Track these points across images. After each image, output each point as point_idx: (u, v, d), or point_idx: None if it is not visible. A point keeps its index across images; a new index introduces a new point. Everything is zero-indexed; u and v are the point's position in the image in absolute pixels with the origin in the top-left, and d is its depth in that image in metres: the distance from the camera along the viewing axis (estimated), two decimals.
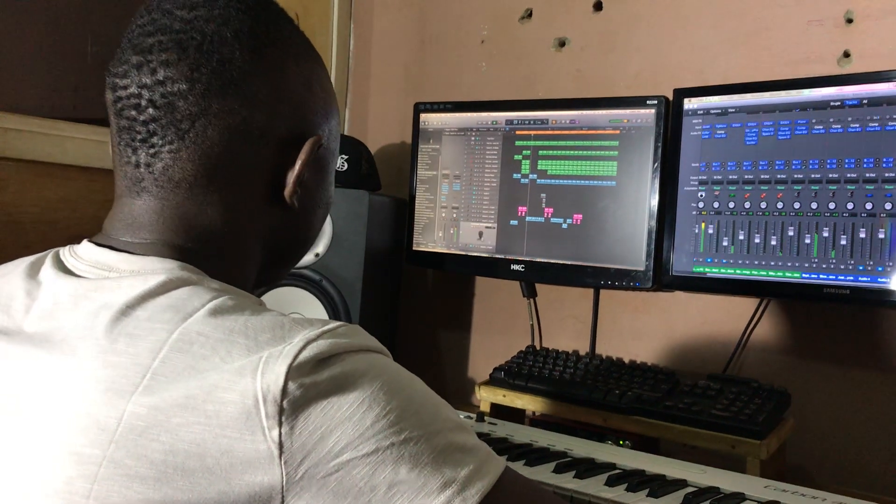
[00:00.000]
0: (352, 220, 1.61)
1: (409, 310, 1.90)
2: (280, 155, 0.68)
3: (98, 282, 0.61)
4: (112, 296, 0.58)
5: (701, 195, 1.40)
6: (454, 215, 1.67)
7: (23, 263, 0.67)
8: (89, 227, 1.50)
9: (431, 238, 1.70)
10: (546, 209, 1.56)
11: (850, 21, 1.42)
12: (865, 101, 1.25)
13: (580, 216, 1.52)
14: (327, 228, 1.61)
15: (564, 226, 1.53)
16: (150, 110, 0.63)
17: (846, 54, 1.42)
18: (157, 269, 0.61)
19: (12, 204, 1.44)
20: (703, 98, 1.41)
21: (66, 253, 0.66)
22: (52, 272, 0.64)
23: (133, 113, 0.64)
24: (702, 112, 1.41)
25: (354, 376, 0.55)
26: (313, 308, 1.61)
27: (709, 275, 1.38)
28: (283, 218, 0.70)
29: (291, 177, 0.68)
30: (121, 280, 0.60)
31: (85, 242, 0.67)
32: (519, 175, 1.59)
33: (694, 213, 1.40)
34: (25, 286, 0.64)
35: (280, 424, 0.52)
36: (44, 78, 2.10)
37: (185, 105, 0.63)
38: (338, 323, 0.59)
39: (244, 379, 0.53)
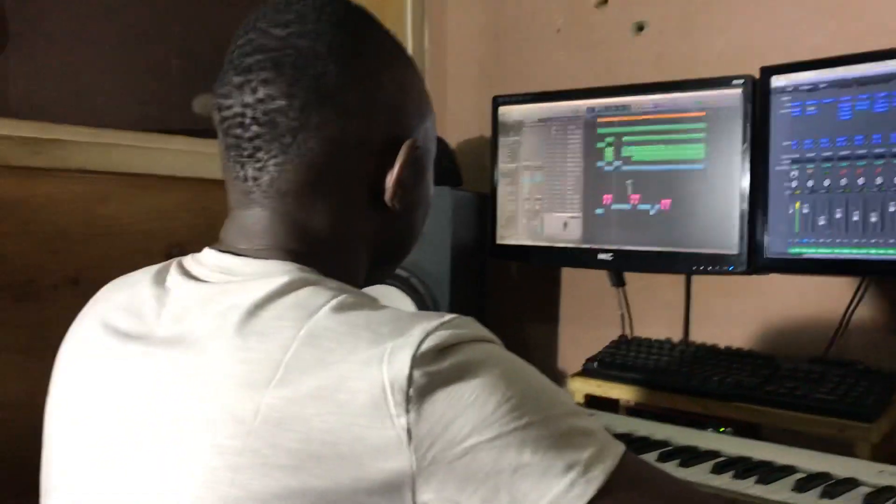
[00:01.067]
0: (436, 217, 1.61)
1: (495, 304, 1.91)
2: (379, 160, 0.70)
3: (224, 285, 0.65)
4: (239, 297, 0.61)
5: (794, 174, 1.36)
6: (537, 207, 1.67)
7: (149, 272, 0.71)
8: (186, 236, 1.56)
9: (515, 231, 1.71)
10: (632, 196, 1.54)
11: None
12: None
13: (668, 202, 1.49)
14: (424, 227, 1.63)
15: (652, 212, 1.51)
16: (254, 127, 0.67)
17: None
18: (278, 272, 0.64)
19: (113, 216, 1.51)
20: (792, 74, 1.37)
21: (189, 261, 0.70)
22: (179, 279, 0.68)
23: (238, 131, 0.67)
24: (791, 89, 1.37)
25: (474, 364, 0.57)
26: (403, 305, 1.64)
27: (806, 256, 1.34)
28: (386, 220, 0.73)
29: (391, 180, 0.71)
30: (246, 283, 0.63)
31: (206, 250, 0.70)
32: (603, 163, 1.58)
33: (787, 192, 1.36)
34: (154, 293, 0.68)
35: (407, 412, 0.55)
36: (133, 93, 2.19)
37: (285, 120, 0.66)
38: (453, 315, 0.61)
39: (371, 369, 0.55)
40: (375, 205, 0.71)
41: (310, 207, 0.68)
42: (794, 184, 1.36)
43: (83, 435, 0.67)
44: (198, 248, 0.74)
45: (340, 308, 0.60)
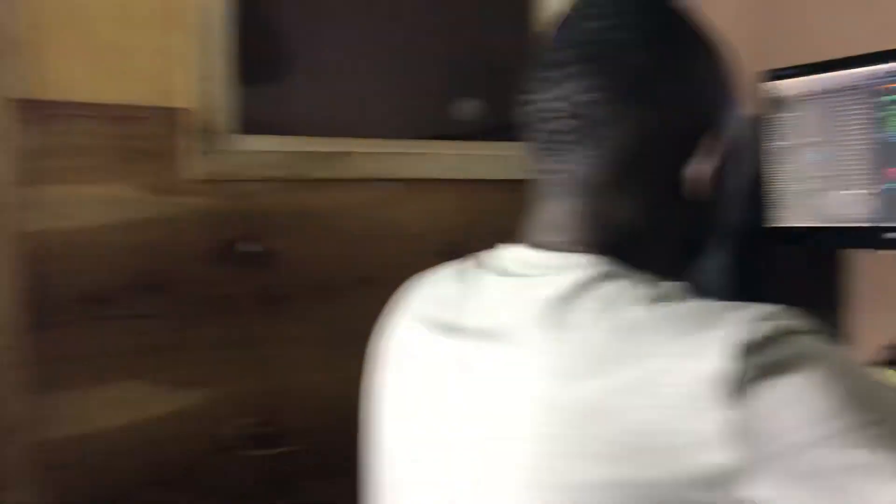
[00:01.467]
0: None
1: (772, 290, 1.80)
2: (686, 151, 0.69)
3: (531, 278, 0.66)
4: (548, 290, 0.63)
5: None
6: (817, 186, 1.55)
7: (452, 269, 0.75)
8: (459, 235, 1.64)
9: (793, 213, 1.60)
10: None
11: None
12: None
13: None
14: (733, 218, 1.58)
15: None
16: (568, 120, 0.67)
17: None
18: (586, 264, 0.64)
19: (394, 219, 1.62)
20: None
21: (491, 256, 0.73)
22: (484, 273, 0.71)
23: (551, 125, 0.68)
24: None
25: (803, 358, 0.54)
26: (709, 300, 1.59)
27: None
28: (691, 212, 0.71)
29: (697, 171, 0.69)
30: (554, 275, 0.64)
31: (509, 245, 0.72)
32: (885, 133, 1.42)
33: None
34: (460, 287, 0.72)
35: (732, 405, 0.53)
36: (403, 103, 2.33)
37: (596, 113, 0.66)
38: (776, 306, 0.58)
39: (688, 362, 0.54)
40: (681, 196, 0.69)
41: (617, 200, 0.68)
42: None
43: (409, 426, 0.72)
44: (471, 248, 0.77)
45: (652, 300, 0.59)
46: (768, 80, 1.62)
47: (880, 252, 1.56)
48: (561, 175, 0.69)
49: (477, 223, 1.62)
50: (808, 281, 1.80)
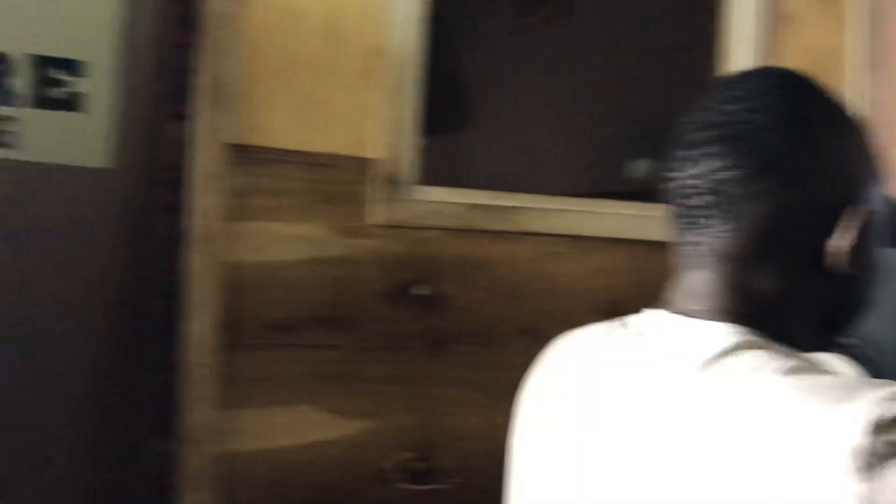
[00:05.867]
0: (888, 281, 1.50)
1: None
2: (824, 225, 0.70)
3: (673, 343, 0.70)
4: (689, 355, 0.66)
5: None
6: None
7: (600, 328, 0.79)
8: (624, 294, 1.66)
9: None
10: None
11: None
12: None
13: None
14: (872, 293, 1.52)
15: None
16: (703, 197, 0.71)
17: None
18: (726, 333, 0.67)
19: (561, 274, 1.67)
20: None
21: (636, 319, 0.77)
22: (629, 335, 0.75)
23: (688, 200, 0.72)
24: None
25: None
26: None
27: None
28: (831, 285, 0.72)
29: (836, 246, 0.70)
30: (694, 342, 0.68)
31: (652, 310, 0.76)
32: None
33: None
34: (606, 346, 0.76)
35: (863, 480, 0.54)
36: (575, 160, 2.39)
37: (733, 190, 0.70)
38: None
39: (826, 433, 0.56)
40: (819, 270, 0.71)
41: (754, 271, 0.70)
42: None
43: (563, 470, 0.76)
44: (633, 307, 0.80)
45: (791, 371, 0.61)
46: None
47: None
48: (700, 247, 0.72)
49: (641, 283, 1.64)
50: None
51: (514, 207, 1.64)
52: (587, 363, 0.78)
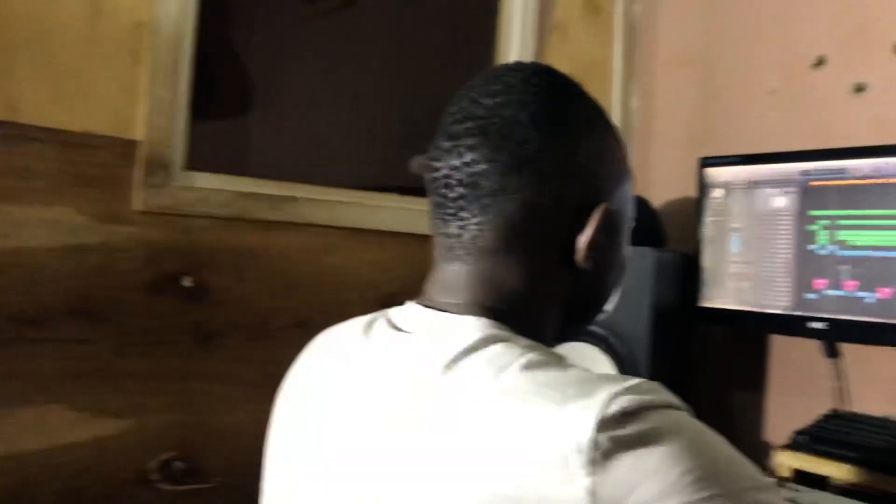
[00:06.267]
0: (637, 277, 1.63)
1: (698, 368, 1.86)
2: (573, 222, 0.74)
3: (425, 337, 0.71)
4: (440, 350, 0.67)
5: None
6: (745, 270, 1.63)
7: (360, 322, 0.79)
8: (400, 286, 1.68)
9: (720, 294, 1.67)
10: (848, 283, 1.46)
11: None
12: None
13: (891, 290, 1.40)
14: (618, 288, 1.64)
15: (870, 300, 1.43)
16: (458, 189, 0.72)
17: None
18: (475, 327, 0.69)
19: (338, 266, 1.66)
20: None
21: (395, 312, 0.77)
22: (386, 328, 0.75)
23: (445, 191, 0.73)
24: None
25: (660, 431, 0.58)
26: (600, 364, 1.64)
27: None
28: (579, 280, 0.75)
29: (584, 242, 0.73)
30: (445, 336, 0.69)
31: (410, 303, 0.77)
32: (815, 246, 1.51)
33: None
34: (362, 340, 0.75)
35: (592, 474, 0.56)
36: (356, 153, 2.38)
37: (487, 183, 0.71)
38: (640, 379, 0.62)
39: (556, 430, 0.58)
40: (568, 265, 0.74)
41: (506, 266, 0.73)
42: None
43: (306, 466, 0.75)
44: (410, 299, 0.81)
45: (530, 366, 0.63)
46: (703, 167, 1.71)
47: (802, 339, 1.64)
48: (455, 240, 0.73)
49: (419, 276, 1.66)
50: (730, 361, 1.87)
51: (289, 197, 1.60)
52: (338, 360, 0.77)
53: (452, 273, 0.74)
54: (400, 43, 2.41)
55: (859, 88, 1.66)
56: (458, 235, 0.73)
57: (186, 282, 1.47)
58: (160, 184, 1.44)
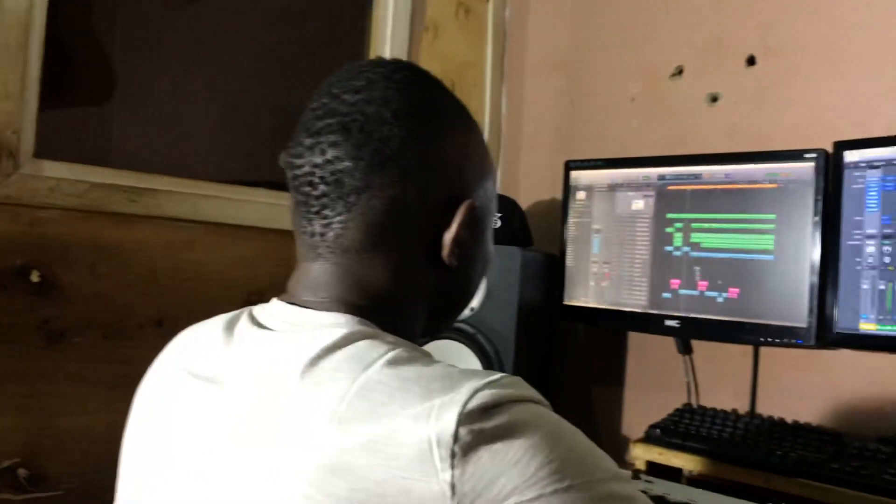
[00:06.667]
0: (505, 276, 1.66)
1: (562, 364, 1.92)
2: (438, 219, 0.74)
3: (288, 335, 0.69)
4: (302, 348, 0.65)
5: (868, 250, 1.35)
6: (605, 270, 1.69)
7: (223, 319, 0.76)
8: (266, 283, 1.64)
9: (583, 293, 1.72)
10: (700, 283, 1.54)
11: None
12: None
13: (737, 290, 1.49)
14: (482, 283, 1.67)
15: (720, 300, 1.51)
16: (321, 186, 0.71)
17: None
18: (338, 324, 0.68)
19: (200, 262, 1.60)
20: (867, 150, 1.37)
21: (259, 310, 0.75)
22: (248, 327, 0.73)
23: (307, 189, 0.72)
24: (864, 164, 1.37)
25: (519, 424, 0.59)
26: (468, 361, 1.67)
27: (876, 332, 1.33)
28: (443, 276, 0.76)
29: (448, 238, 0.74)
30: (308, 333, 0.67)
31: (274, 300, 0.75)
32: (671, 247, 1.59)
33: (859, 268, 1.35)
34: (224, 337, 0.73)
35: (452, 467, 0.57)
36: (223, 146, 2.31)
37: (350, 181, 0.71)
38: (501, 374, 0.63)
39: (419, 425, 0.58)
40: (433, 261, 0.74)
41: (370, 263, 0.72)
42: (869, 259, 1.35)
43: (159, 472, 0.72)
44: (277, 297, 0.79)
45: (394, 362, 0.63)
46: (568, 169, 1.76)
47: (659, 337, 1.71)
48: (320, 238, 0.72)
49: (286, 273, 1.63)
50: (593, 358, 1.93)
51: (149, 190, 1.53)
52: (197, 360, 0.74)
53: (316, 271, 0.73)
54: (271, 35, 2.35)
55: (714, 98, 1.76)
56: (322, 234, 0.72)
57: (34, 277, 1.38)
58: (6, 172, 1.35)
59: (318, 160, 0.71)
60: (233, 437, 0.66)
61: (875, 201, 1.35)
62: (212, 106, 2.37)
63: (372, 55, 1.95)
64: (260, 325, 0.72)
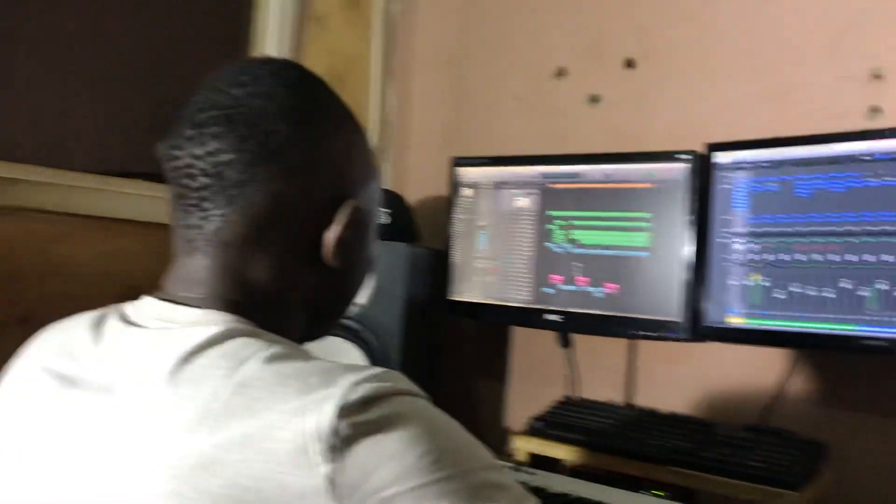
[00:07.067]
0: (391, 272, 1.66)
1: (448, 359, 1.93)
2: (321, 218, 0.73)
3: (160, 332, 0.67)
4: (174, 345, 0.64)
5: (736, 247, 1.42)
6: (491, 266, 1.71)
7: (89, 316, 0.73)
8: (143, 279, 1.56)
9: (468, 288, 1.74)
10: (580, 278, 1.59)
11: (878, 77, 1.45)
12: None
13: (615, 287, 1.54)
14: (368, 283, 1.66)
15: (598, 295, 1.56)
16: (202, 178, 0.70)
17: (875, 109, 1.45)
18: (214, 321, 0.67)
19: (70, 256, 1.52)
20: (735, 152, 1.44)
21: (129, 307, 0.72)
22: (117, 324, 0.70)
23: (186, 181, 0.70)
24: (733, 166, 1.44)
25: (398, 417, 0.60)
26: (353, 357, 1.65)
27: (744, 326, 1.40)
28: (326, 276, 0.75)
29: (331, 238, 0.73)
30: (182, 330, 0.66)
31: (146, 297, 0.72)
32: (552, 244, 1.63)
33: (727, 264, 1.42)
34: (91, 336, 0.70)
35: (330, 461, 0.57)
36: (99, 135, 2.20)
37: (232, 174, 0.69)
38: (381, 368, 0.63)
39: (297, 419, 0.58)
40: (316, 261, 0.74)
41: (250, 259, 0.71)
42: (734, 256, 1.42)
43: (18, 475, 0.68)
44: (150, 294, 0.76)
45: (271, 359, 0.62)
46: (454, 166, 1.78)
47: (542, 331, 1.75)
48: (197, 231, 0.71)
49: (164, 268, 1.57)
50: (478, 352, 1.96)
51: (10, 179, 1.43)
52: (62, 359, 0.71)
53: (193, 266, 0.71)
54: (151, 21, 2.26)
55: (594, 99, 1.81)
56: (200, 227, 0.71)
57: None
58: None
59: (199, 151, 0.69)
60: (102, 437, 0.64)
61: (743, 201, 1.42)
62: (87, 93, 2.26)
63: (256, 45, 1.90)
64: (131, 323, 0.70)
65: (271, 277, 0.71)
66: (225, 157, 0.69)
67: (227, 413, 0.59)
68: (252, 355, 0.62)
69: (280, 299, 0.73)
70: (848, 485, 1.40)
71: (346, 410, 0.58)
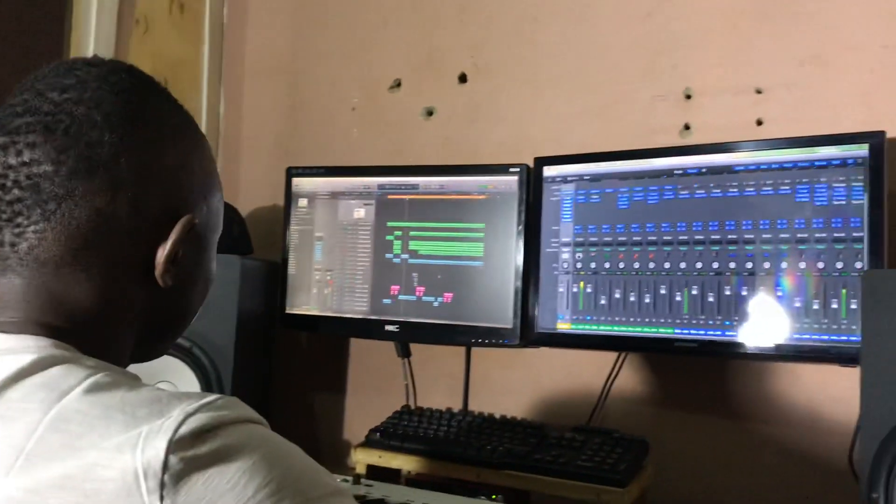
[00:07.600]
0: (223, 285, 1.60)
1: (283, 373, 1.90)
2: (153, 233, 0.68)
3: None
4: None
5: (563, 256, 1.49)
6: (328, 277, 1.70)
7: None
8: None
9: (305, 301, 1.72)
10: (418, 288, 1.61)
11: (688, 97, 1.56)
12: (705, 170, 1.38)
13: (451, 295, 1.57)
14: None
15: (436, 304, 1.59)
16: (15, 191, 0.63)
17: (686, 127, 1.56)
18: (29, 348, 0.60)
19: None
20: (561, 166, 1.51)
21: None
22: None
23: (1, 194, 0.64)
24: (560, 179, 1.51)
25: (235, 448, 0.56)
26: (184, 376, 1.58)
27: (571, 331, 1.47)
28: (158, 296, 0.70)
29: (162, 256, 0.69)
30: None
31: None
32: (391, 255, 1.64)
33: (556, 272, 1.49)
34: None
35: (161, 499, 0.53)
36: None
37: (50, 187, 0.63)
38: (215, 395, 0.59)
39: (123, 455, 0.53)
40: (147, 280, 0.69)
41: (71, 279, 0.65)
42: (564, 265, 1.48)
43: None
44: None
45: (94, 389, 0.57)
46: (289, 176, 1.75)
47: (381, 342, 1.75)
48: (10, 248, 0.65)
49: None
50: (315, 365, 1.93)
51: None
52: None
53: (4, 287, 0.65)
54: None
55: (429, 112, 1.83)
56: (13, 244, 0.64)
57: None
58: None
59: (13, 161, 0.63)
60: None
61: (569, 212, 1.49)
62: None
63: (73, 47, 1.78)
64: None
65: (95, 298, 0.66)
66: (40, 169, 0.63)
67: (42, 453, 0.54)
68: (72, 386, 0.57)
69: (106, 321, 0.67)
70: (667, 478, 1.50)
71: (177, 444, 0.54)
